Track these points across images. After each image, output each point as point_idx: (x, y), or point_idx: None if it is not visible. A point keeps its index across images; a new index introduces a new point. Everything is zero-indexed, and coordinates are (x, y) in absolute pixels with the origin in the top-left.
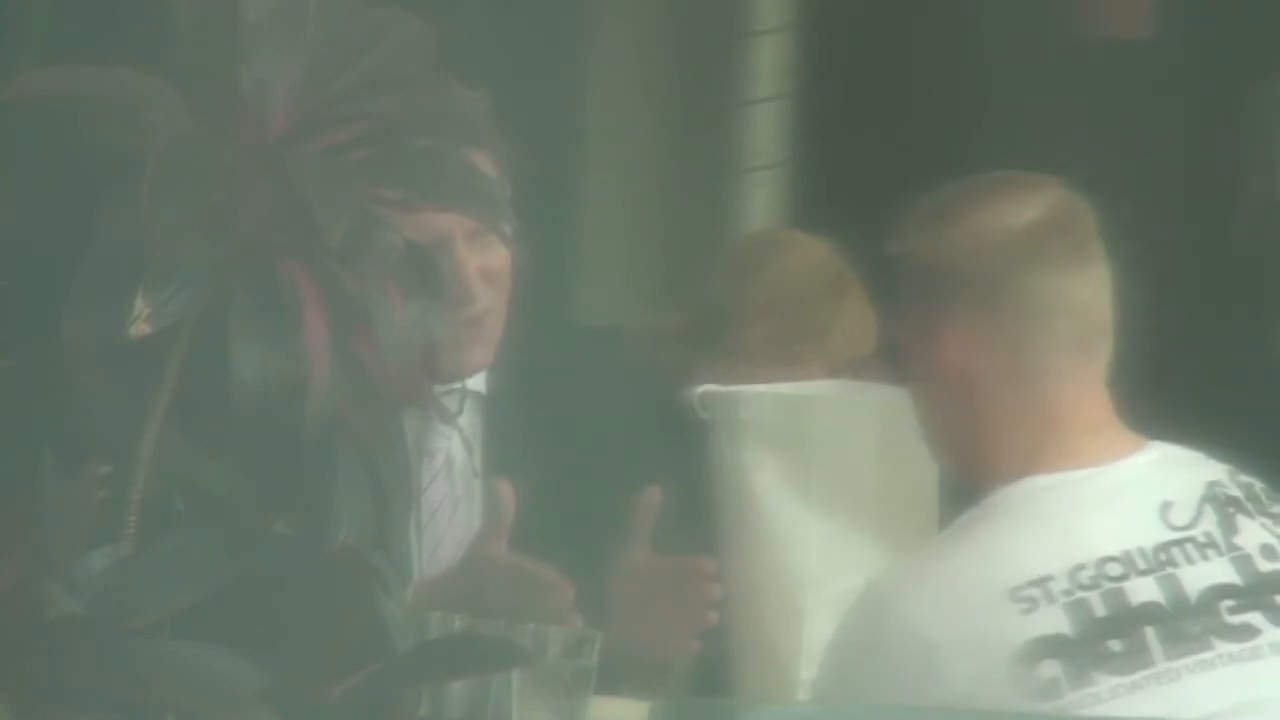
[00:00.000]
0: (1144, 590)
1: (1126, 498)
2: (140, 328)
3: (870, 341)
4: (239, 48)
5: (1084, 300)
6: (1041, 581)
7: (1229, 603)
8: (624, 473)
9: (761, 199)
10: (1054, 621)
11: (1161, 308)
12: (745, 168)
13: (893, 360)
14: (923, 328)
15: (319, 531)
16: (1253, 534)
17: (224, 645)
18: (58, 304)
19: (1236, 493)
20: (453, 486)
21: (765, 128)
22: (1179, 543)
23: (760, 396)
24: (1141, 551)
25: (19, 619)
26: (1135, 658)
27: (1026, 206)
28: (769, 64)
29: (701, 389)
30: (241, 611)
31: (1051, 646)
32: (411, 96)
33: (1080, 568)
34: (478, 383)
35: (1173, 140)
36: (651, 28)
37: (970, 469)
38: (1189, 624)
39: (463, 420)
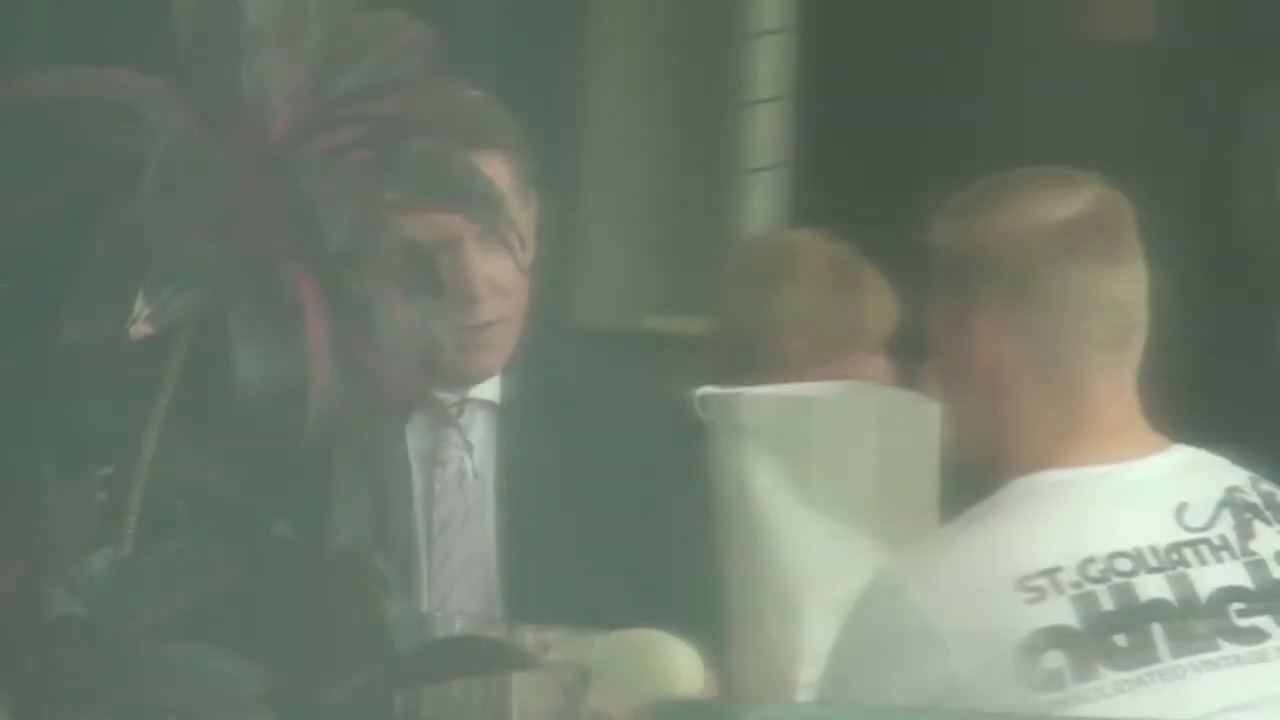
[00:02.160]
0: (1153, 587)
1: (1142, 496)
2: (141, 329)
3: (895, 315)
4: (240, 49)
5: (1119, 298)
6: (1050, 573)
7: (1239, 605)
8: (632, 477)
9: (762, 200)
10: (1060, 613)
11: (1160, 308)
12: (746, 168)
13: (905, 357)
14: (955, 317)
15: (319, 533)
16: (1269, 540)
17: (225, 647)
18: (59, 305)
19: (1256, 499)
20: (464, 497)
21: (766, 128)
22: (1192, 544)
23: (760, 398)
24: (1153, 549)
25: (19, 620)
26: (1140, 653)
27: (1067, 201)
28: (769, 65)
29: (701, 391)
30: (242, 613)
31: (1056, 638)
32: (414, 98)
33: (1089, 561)
34: (491, 392)
35: (1173, 141)
36: (652, 28)
37: (993, 460)
38: (1197, 624)
39: (476, 430)
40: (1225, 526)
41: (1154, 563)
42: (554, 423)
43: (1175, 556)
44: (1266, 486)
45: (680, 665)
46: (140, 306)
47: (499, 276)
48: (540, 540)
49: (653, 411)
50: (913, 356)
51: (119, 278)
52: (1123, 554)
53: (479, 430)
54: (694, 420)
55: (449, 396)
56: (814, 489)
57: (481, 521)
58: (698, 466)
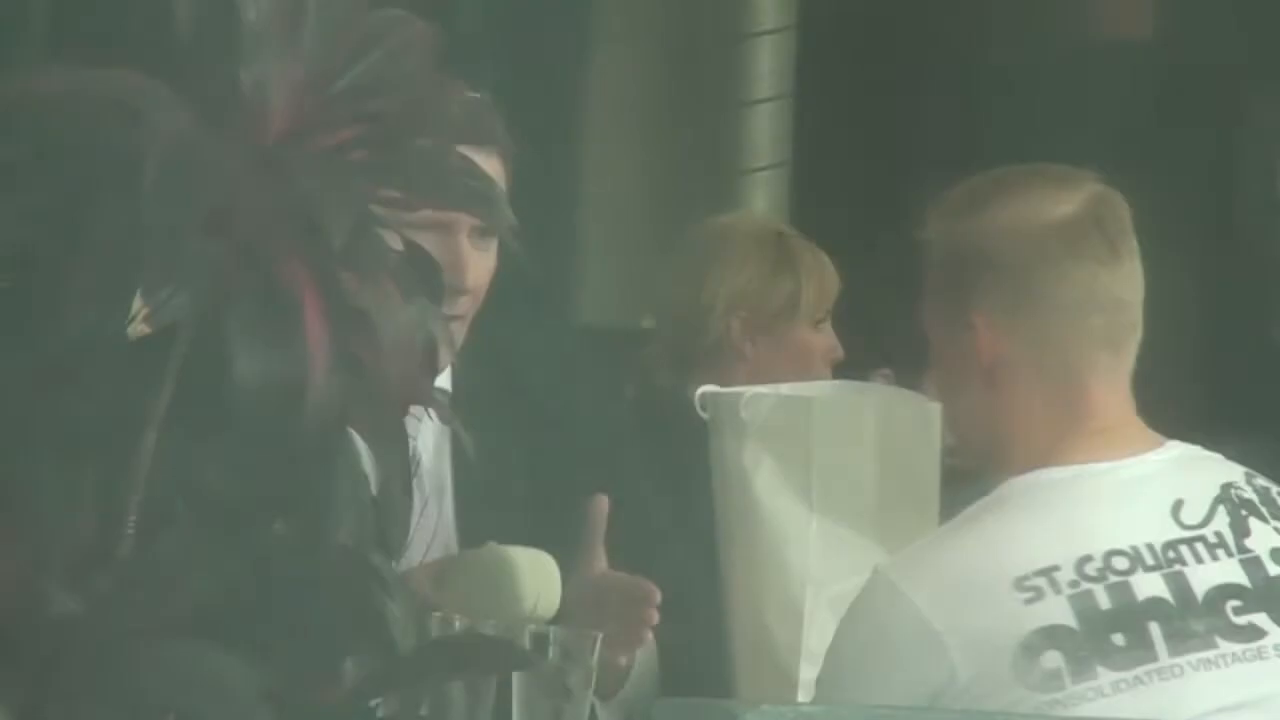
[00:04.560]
0: (1150, 586)
1: (1138, 494)
2: (139, 327)
3: (833, 289)
4: (239, 48)
5: (1118, 295)
6: (1047, 572)
7: (1235, 603)
8: (586, 461)
9: (762, 199)
10: (1058, 613)
11: (1159, 307)
12: (746, 168)
13: (904, 362)
14: (953, 315)
15: (319, 532)
16: (1264, 537)
17: (224, 646)
18: (59, 305)
19: (1251, 495)
20: (421, 486)
21: (766, 128)
22: (1188, 541)
23: (760, 397)
24: (1150, 548)
25: (19, 619)
26: (1138, 652)
27: (1065, 199)
28: (769, 65)
29: (702, 390)
30: (242, 612)
31: (1055, 638)
32: (412, 97)
33: (1087, 560)
34: (443, 379)
35: (1173, 141)
36: (652, 28)
37: (989, 458)
38: (1194, 622)
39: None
40: (1221, 523)
41: (1151, 561)
42: (508, 409)
43: (1172, 554)
44: (1261, 482)
45: (533, 579)
46: (139, 306)
47: (481, 272)
48: (499, 526)
49: (608, 399)
50: (910, 355)
51: (118, 277)
52: (1120, 552)
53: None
54: (678, 408)
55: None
56: (814, 488)
57: (439, 509)
58: (654, 455)
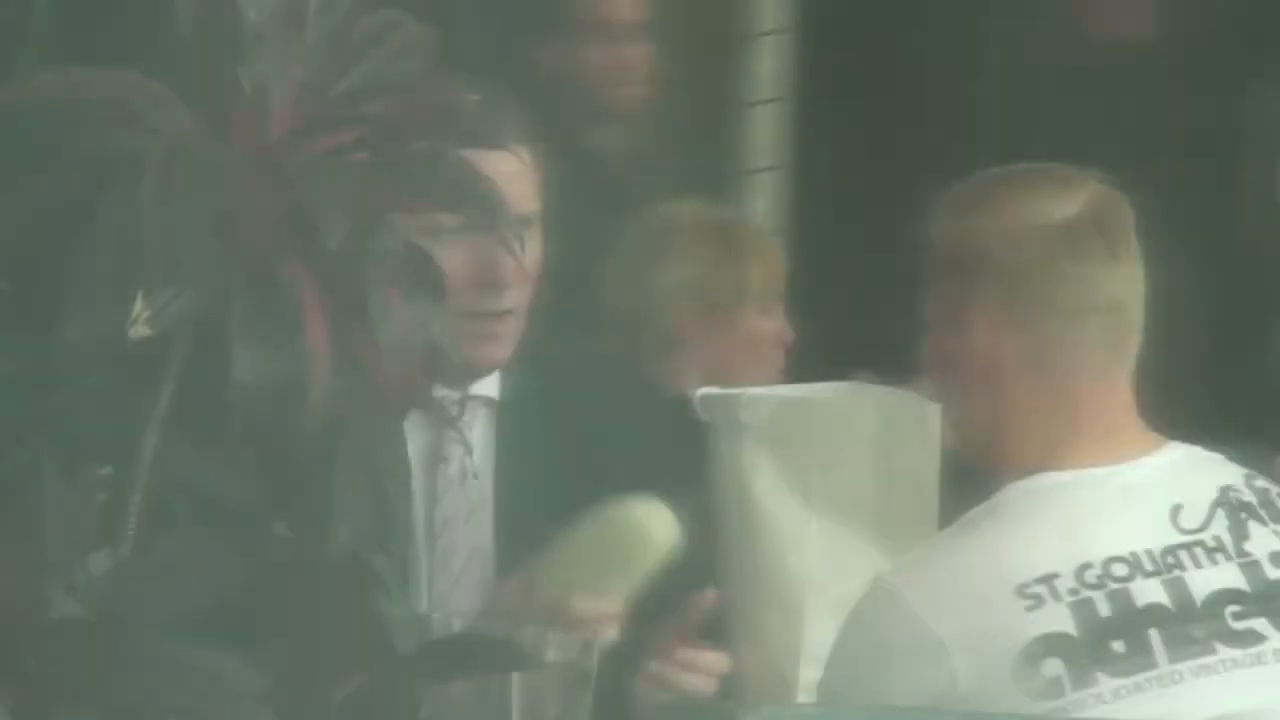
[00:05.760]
0: (1150, 592)
1: (1138, 498)
2: (140, 329)
3: (782, 266)
4: (240, 49)
5: (1117, 298)
6: (1047, 579)
7: (1235, 608)
8: (633, 475)
9: (761, 201)
10: (1059, 620)
11: (1159, 307)
12: (746, 169)
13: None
14: (951, 314)
15: (319, 533)
16: (1263, 540)
17: (225, 647)
18: (59, 305)
19: (1250, 498)
20: (467, 495)
21: (766, 129)
22: (1187, 546)
23: (760, 398)
24: (1149, 553)
25: (19, 621)
26: (1138, 659)
27: (1067, 200)
28: (769, 65)
29: (701, 391)
30: (242, 614)
31: (1055, 645)
32: (414, 98)
33: (1087, 566)
34: (491, 389)
35: (1173, 141)
36: (652, 29)
37: (988, 460)
38: (1193, 628)
39: (477, 427)
40: (1220, 527)
41: (1150, 567)
42: (554, 420)
43: (1171, 560)
44: (1261, 483)
45: (663, 530)
46: (140, 307)
47: (523, 264)
48: (540, 538)
49: (652, 409)
50: (907, 355)
51: (119, 278)
52: (1119, 559)
53: (479, 427)
54: (693, 419)
55: (450, 394)
56: (814, 489)
57: (482, 519)
58: (697, 464)
